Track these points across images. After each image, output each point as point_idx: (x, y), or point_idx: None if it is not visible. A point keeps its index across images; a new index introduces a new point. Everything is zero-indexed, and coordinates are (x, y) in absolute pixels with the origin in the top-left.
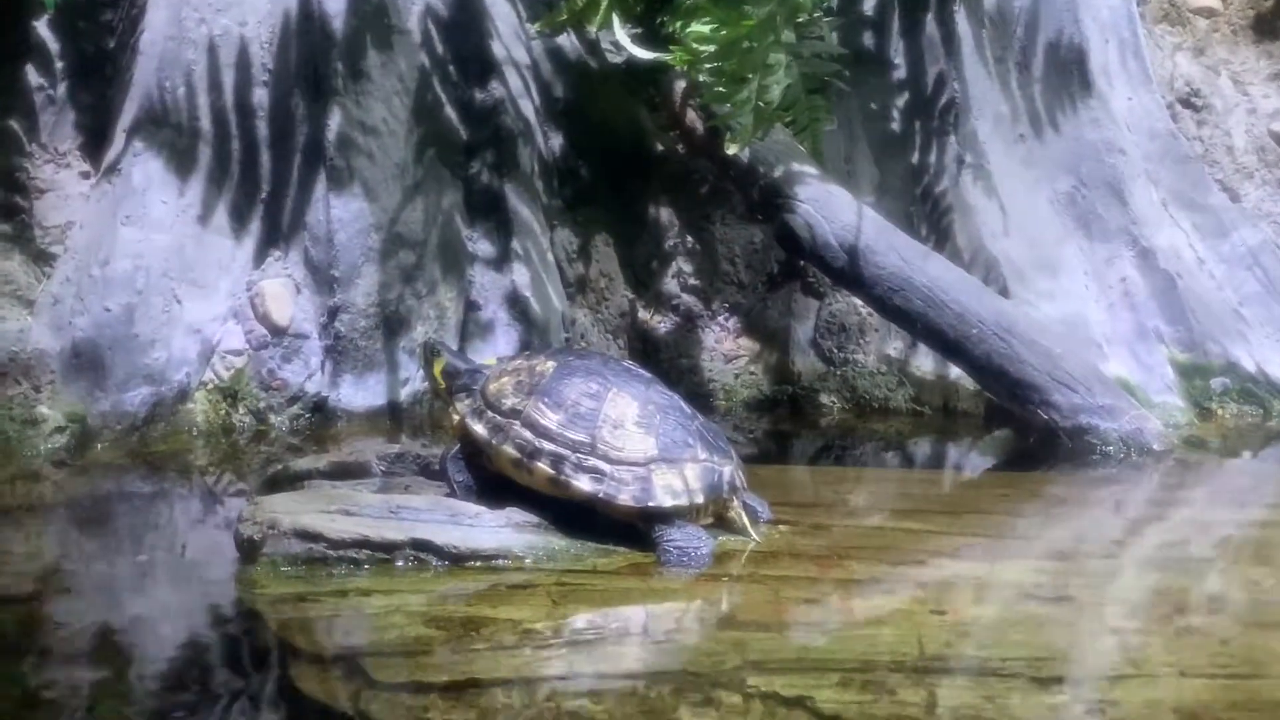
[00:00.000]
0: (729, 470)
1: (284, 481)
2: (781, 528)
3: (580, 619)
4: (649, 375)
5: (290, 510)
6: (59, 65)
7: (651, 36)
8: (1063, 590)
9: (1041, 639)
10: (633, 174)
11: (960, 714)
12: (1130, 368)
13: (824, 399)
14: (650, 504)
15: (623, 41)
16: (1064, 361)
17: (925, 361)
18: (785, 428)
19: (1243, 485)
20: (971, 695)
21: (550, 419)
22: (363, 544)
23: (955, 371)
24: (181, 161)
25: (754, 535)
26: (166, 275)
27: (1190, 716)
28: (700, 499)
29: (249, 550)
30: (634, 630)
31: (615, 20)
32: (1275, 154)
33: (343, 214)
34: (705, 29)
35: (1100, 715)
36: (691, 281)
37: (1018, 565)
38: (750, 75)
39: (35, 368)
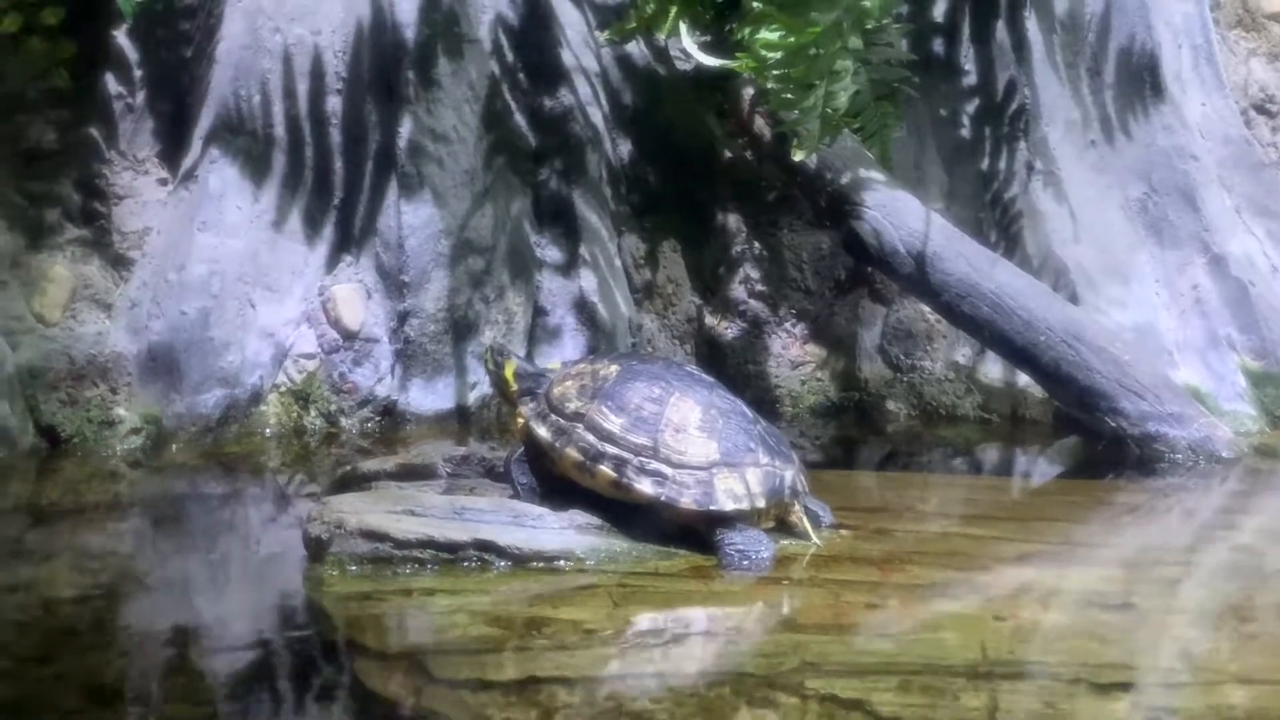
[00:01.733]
0: (790, 474)
1: (352, 483)
2: (844, 532)
3: (641, 620)
4: (711, 379)
5: (357, 510)
6: (137, 74)
7: (720, 43)
8: (1127, 598)
9: (1104, 646)
10: (701, 180)
11: (1020, 719)
12: (1201, 376)
13: (890, 406)
14: (712, 507)
15: (690, 49)
16: (1132, 369)
17: (993, 369)
18: (851, 434)
19: None
20: (1033, 700)
21: (613, 422)
22: (428, 544)
23: (1024, 379)
24: (256, 168)
25: (815, 539)
26: (241, 280)
27: None
28: (762, 503)
29: (316, 549)
30: (694, 632)
31: (683, 28)
32: None
33: (413, 220)
34: (773, 36)
35: None
36: (759, 287)
37: (1082, 572)
38: (817, 82)
39: (112, 370)
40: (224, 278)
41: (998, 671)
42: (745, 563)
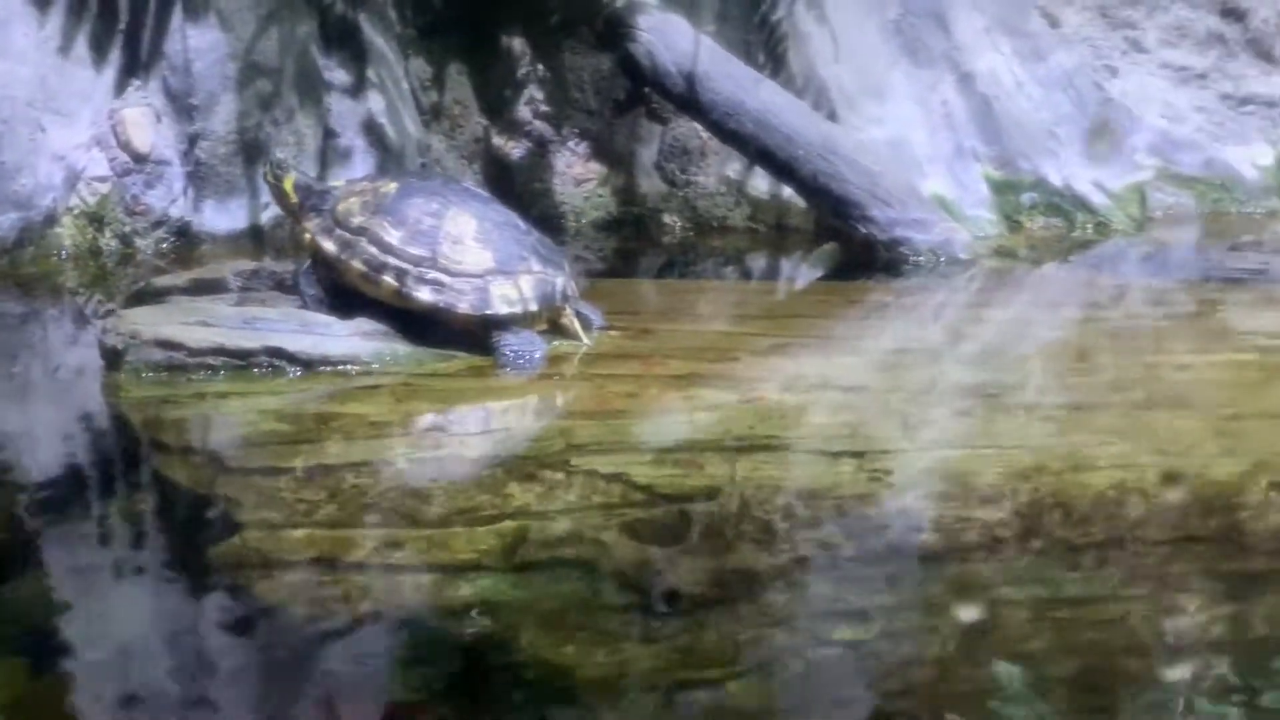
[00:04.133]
0: (562, 281)
1: (146, 297)
2: (613, 333)
3: (423, 414)
4: (487, 195)
5: (151, 322)
6: None
7: None
8: (859, 381)
9: (835, 421)
10: (485, 3)
11: (758, 483)
12: (948, 185)
13: (667, 218)
14: (487, 311)
15: None
16: (882, 180)
17: (760, 182)
18: (631, 246)
19: (1038, 289)
20: (770, 468)
21: (394, 235)
22: (220, 351)
23: (787, 191)
24: None
25: (585, 339)
26: (30, 105)
27: (959, 482)
28: (534, 307)
29: (113, 358)
30: (470, 422)
31: None
32: None
33: (199, 43)
34: None
35: (878, 480)
36: (543, 108)
37: (823, 361)
38: None
39: None
40: (14, 103)
41: (741, 446)
42: (520, 361)
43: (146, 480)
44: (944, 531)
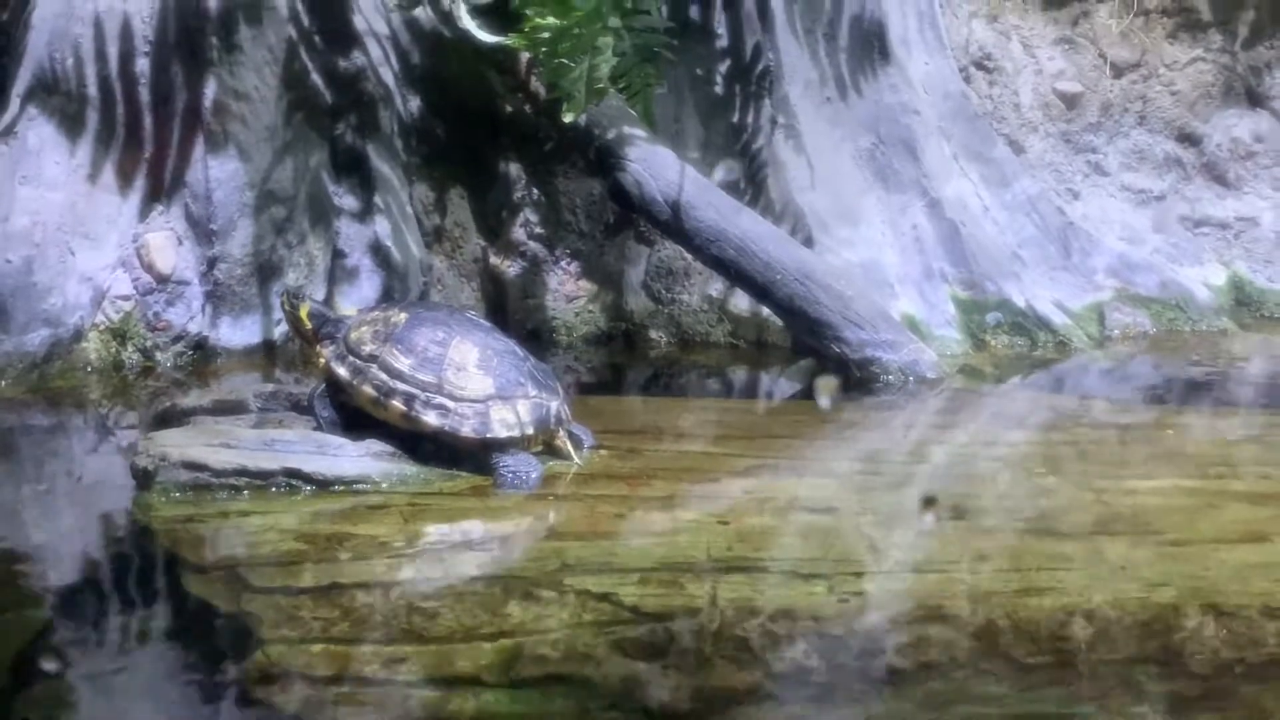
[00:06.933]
0: (556, 405)
1: (172, 418)
2: (602, 452)
3: (429, 533)
4: (489, 325)
5: (178, 444)
6: None
7: (499, 11)
8: (830, 503)
9: (807, 543)
10: (484, 133)
11: (736, 604)
12: (917, 305)
13: (653, 334)
14: (488, 435)
15: (468, 26)
16: (854, 303)
17: (741, 301)
18: (619, 360)
19: (999, 410)
20: (746, 589)
21: (403, 363)
22: (242, 473)
23: (766, 310)
24: (72, 126)
25: (577, 460)
26: (61, 229)
27: (921, 604)
28: (530, 430)
29: (143, 479)
30: (473, 541)
31: (461, 4)
32: (1059, 109)
33: (219, 173)
34: (542, 19)
35: (846, 603)
36: (537, 230)
37: (795, 482)
38: (581, 57)
39: None
40: (45, 227)
41: (719, 567)
42: (517, 482)
43: (175, 597)
44: (905, 652)
